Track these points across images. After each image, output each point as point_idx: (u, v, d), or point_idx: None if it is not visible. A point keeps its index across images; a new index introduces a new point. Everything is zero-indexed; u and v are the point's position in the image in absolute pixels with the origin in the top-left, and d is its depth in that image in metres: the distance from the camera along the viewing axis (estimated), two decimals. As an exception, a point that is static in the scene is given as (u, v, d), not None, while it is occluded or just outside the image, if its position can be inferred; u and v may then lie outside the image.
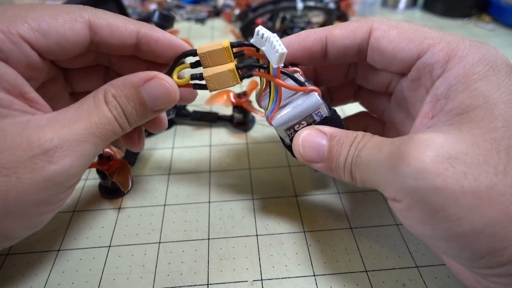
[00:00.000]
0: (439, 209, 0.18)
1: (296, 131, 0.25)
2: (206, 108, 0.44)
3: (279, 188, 0.33)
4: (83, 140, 0.20)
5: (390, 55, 0.23)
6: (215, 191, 0.33)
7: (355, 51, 0.25)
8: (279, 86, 0.23)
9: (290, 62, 0.26)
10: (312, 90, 0.24)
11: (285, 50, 0.20)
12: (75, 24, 0.21)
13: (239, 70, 0.24)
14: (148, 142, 0.39)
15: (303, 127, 0.24)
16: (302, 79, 0.24)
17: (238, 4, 0.67)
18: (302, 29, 0.54)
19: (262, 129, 0.41)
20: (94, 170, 0.34)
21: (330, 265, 0.27)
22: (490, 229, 0.17)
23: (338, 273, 0.26)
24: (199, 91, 0.26)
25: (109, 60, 0.26)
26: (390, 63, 0.24)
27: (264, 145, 0.39)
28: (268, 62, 0.23)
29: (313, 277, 0.26)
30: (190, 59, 0.25)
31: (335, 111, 0.25)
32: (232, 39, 0.60)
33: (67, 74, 0.26)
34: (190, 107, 0.43)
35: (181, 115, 0.41)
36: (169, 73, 0.25)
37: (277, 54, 0.20)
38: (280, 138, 0.27)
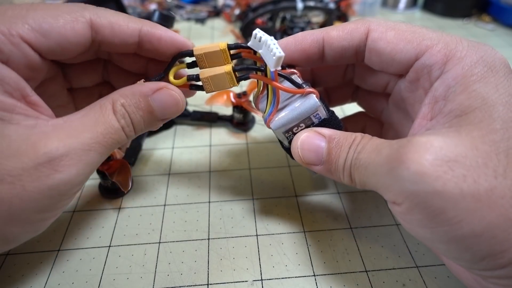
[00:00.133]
0: (438, 212, 0.18)
1: (294, 134, 0.25)
2: (206, 108, 0.44)
3: (279, 188, 0.33)
4: (88, 149, 0.20)
5: (388, 56, 0.23)
6: (215, 191, 0.33)
7: (352, 52, 0.24)
8: (277, 89, 0.23)
9: (287, 64, 0.26)
10: (310, 92, 0.24)
11: (282, 54, 0.20)
12: (76, 24, 0.21)
13: (236, 73, 0.23)
14: (148, 142, 0.39)
15: (301, 130, 0.24)
16: (299, 81, 0.24)
17: (238, 4, 0.67)
18: (302, 29, 0.54)
19: (262, 129, 0.41)
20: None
21: (330, 265, 0.27)
22: (490, 232, 0.17)
23: (338, 273, 0.26)
24: (199, 92, 0.26)
25: (109, 55, 0.26)
26: (388, 65, 0.24)
27: (264, 145, 0.39)
28: (265, 65, 0.22)
29: (313, 277, 0.26)
30: (186, 59, 0.25)
31: (333, 112, 0.25)
32: (232, 39, 0.61)
33: (65, 69, 0.26)
34: (190, 107, 0.43)
35: (181, 115, 0.41)
36: (166, 73, 0.25)
37: (274, 58, 0.20)
38: (279, 140, 0.27)
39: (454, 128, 0.19)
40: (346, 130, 0.24)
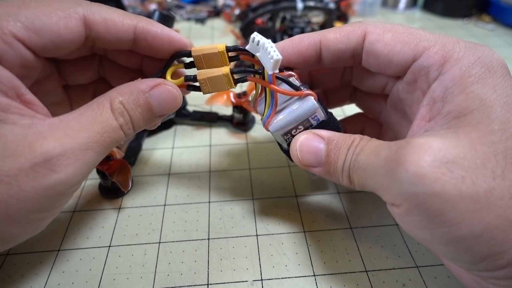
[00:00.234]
0: (437, 214, 0.18)
1: (293, 136, 0.25)
2: (206, 108, 0.44)
3: (279, 188, 0.33)
4: (85, 148, 0.19)
5: (386, 58, 0.23)
6: (215, 191, 0.33)
7: (349, 55, 0.24)
8: (275, 92, 0.23)
9: (285, 66, 0.26)
10: (308, 95, 0.24)
11: (280, 56, 0.20)
12: (70, 21, 0.21)
13: (234, 75, 0.23)
14: (148, 142, 0.39)
15: (300, 132, 0.24)
16: (297, 83, 0.24)
17: (238, 4, 0.67)
18: (302, 29, 0.54)
19: (262, 129, 0.41)
20: (94, 170, 0.34)
21: (330, 265, 0.27)
22: (489, 233, 0.17)
23: (338, 273, 0.26)
24: (199, 92, 0.26)
25: (104, 51, 0.26)
26: (385, 67, 0.23)
27: (264, 145, 0.39)
28: (263, 68, 0.22)
29: (313, 277, 0.26)
30: (184, 58, 0.25)
31: (331, 114, 0.25)
32: (232, 39, 0.61)
33: (60, 66, 0.26)
34: (190, 107, 0.43)
35: (181, 115, 0.41)
36: (163, 72, 0.24)
37: (272, 61, 0.20)
38: (278, 143, 0.27)
39: (453, 129, 0.19)
40: (345, 132, 0.24)
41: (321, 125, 0.24)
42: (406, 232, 0.21)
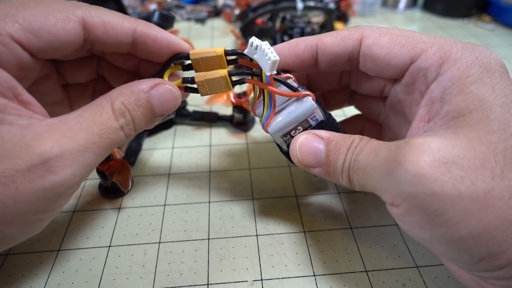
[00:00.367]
0: (436, 214, 0.18)
1: (292, 137, 0.25)
2: (206, 108, 0.44)
3: (279, 188, 0.33)
4: (84, 150, 0.19)
5: (383, 61, 0.23)
6: (215, 191, 0.33)
7: (346, 59, 0.24)
8: (273, 93, 0.23)
9: (282, 69, 0.26)
10: (306, 95, 0.24)
11: (277, 58, 0.20)
12: (68, 23, 0.20)
13: (232, 77, 0.24)
14: (148, 142, 0.39)
15: (299, 132, 0.24)
16: (295, 84, 0.24)
17: (238, 4, 0.67)
18: (302, 29, 0.54)
19: (262, 129, 0.41)
20: (94, 170, 0.34)
21: (330, 265, 0.27)
22: (488, 233, 0.17)
23: (338, 273, 0.26)
24: None
25: (102, 52, 0.26)
26: (383, 69, 0.23)
27: (264, 145, 0.39)
28: (261, 70, 0.22)
29: (313, 277, 0.26)
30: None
31: (330, 114, 0.25)
32: (232, 39, 0.61)
33: (59, 66, 0.26)
34: (190, 107, 0.43)
35: (181, 115, 0.41)
36: (161, 74, 0.24)
37: (269, 62, 0.20)
38: (277, 145, 0.27)
39: (452, 129, 0.19)
40: (344, 133, 0.24)
41: (320, 125, 0.24)
42: (405, 232, 0.21)
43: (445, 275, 0.26)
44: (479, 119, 0.18)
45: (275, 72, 0.22)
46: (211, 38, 0.64)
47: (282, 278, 0.26)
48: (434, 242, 0.19)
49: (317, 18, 0.63)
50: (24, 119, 0.19)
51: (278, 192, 0.33)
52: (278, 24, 0.57)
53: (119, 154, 0.33)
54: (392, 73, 0.23)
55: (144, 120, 0.22)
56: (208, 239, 0.29)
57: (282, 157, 0.37)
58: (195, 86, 0.24)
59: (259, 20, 0.57)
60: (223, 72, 0.23)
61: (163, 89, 0.23)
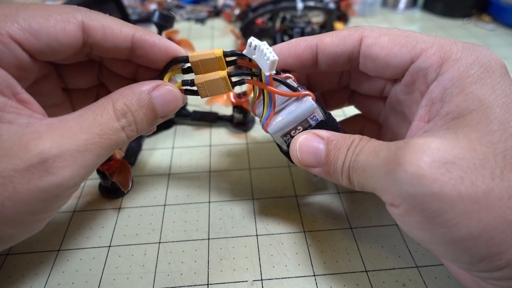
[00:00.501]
0: (436, 214, 0.18)
1: (292, 137, 0.25)
2: (206, 108, 0.44)
3: (279, 188, 0.33)
4: (84, 150, 0.19)
5: (383, 61, 0.23)
6: (215, 191, 0.33)
7: (345, 59, 0.24)
8: (272, 93, 0.23)
9: (282, 69, 0.26)
10: (306, 95, 0.24)
11: (276, 57, 0.20)
12: (67, 25, 0.20)
13: (231, 78, 0.24)
14: (148, 142, 0.39)
15: (299, 132, 0.24)
16: (295, 84, 0.24)
17: (238, 4, 0.67)
18: (302, 29, 0.54)
19: (262, 129, 0.41)
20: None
21: (330, 265, 0.27)
22: (488, 234, 0.17)
23: (338, 273, 0.26)
24: None
25: (100, 58, 0.26)
26: (383, 70, 0.23)
27: (264, 145, 0.39)
28: (260, 70, 0.22)
29: (313, 277, 0.26)
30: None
31: (330, 114, 0.25)
32: (232, 39, 0.61)
33: (59, 69, 0.26)
34: (190, 107, 0.43)
35: (181, 115, 0.41)
36: (160, 78, 0.24)
37: (268, 62, 0.20)
38: (277, 145, 0.27)
39: (452, 130, 0.19)
40: (344, 132, 0.24)
41: (320, 125, 0.24)
42: (405, 232, 0.21)
43: (445, 275, 0.26)
44: (479, 119, 0.18)
45: (274, 72, 0.22)
46: (211, 38, 0.64)
47: (282, 278, 0.26)
48: (434, 243, 0.19)
49: (317, 18, 0.63)
50: (24, 118, 0.19)
51: (278, 192, 0.33)
52: (278, 24, 0.57)
53: (119, 154, 0.33)
54: (392, 73, 0.23)
55: (146, 121, 0.22)
56: (208, 239, 0.29)
57: (282, 157, 0.37)
58: (195, 88, 0.24)
59: (259, 20, 0.57)
60: (223, 73, 0.23)
61: (164, 90, 0.23)
